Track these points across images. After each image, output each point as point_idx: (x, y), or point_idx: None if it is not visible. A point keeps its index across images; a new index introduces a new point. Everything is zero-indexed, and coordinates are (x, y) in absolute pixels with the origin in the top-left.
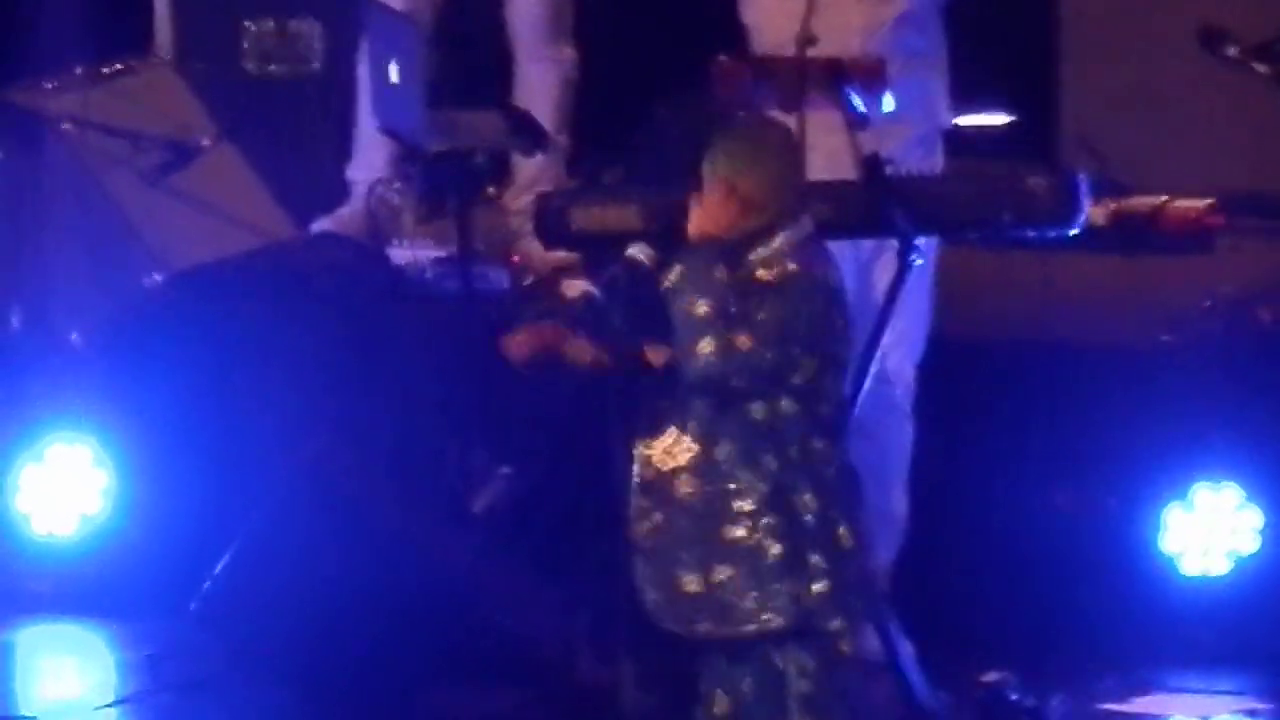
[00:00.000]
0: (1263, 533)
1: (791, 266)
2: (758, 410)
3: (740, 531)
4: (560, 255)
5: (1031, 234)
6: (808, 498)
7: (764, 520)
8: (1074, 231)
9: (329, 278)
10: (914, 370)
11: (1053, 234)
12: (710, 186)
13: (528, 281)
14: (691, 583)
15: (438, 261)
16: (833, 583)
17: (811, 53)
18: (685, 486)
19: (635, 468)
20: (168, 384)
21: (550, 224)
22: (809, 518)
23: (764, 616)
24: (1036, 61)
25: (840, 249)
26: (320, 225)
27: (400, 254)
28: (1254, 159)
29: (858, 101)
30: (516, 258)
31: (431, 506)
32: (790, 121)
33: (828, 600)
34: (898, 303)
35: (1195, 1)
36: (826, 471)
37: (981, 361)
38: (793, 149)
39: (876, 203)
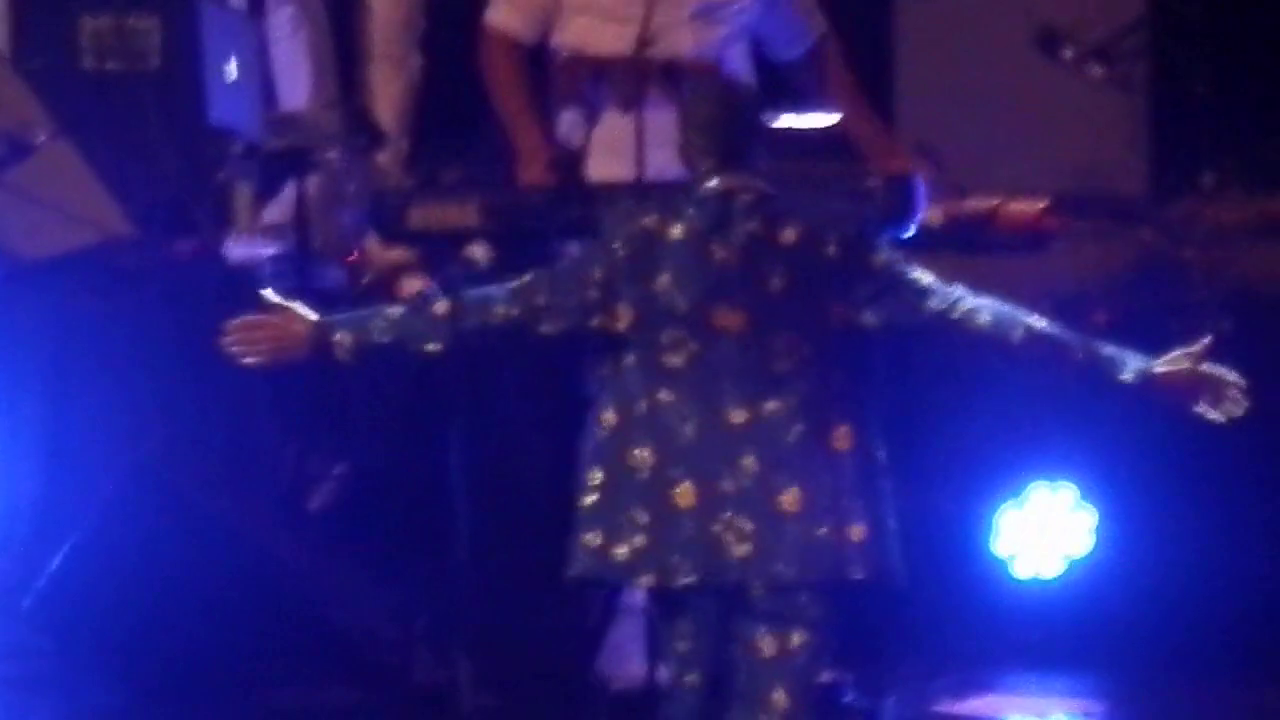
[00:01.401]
0: (1096, 533)
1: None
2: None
3: None
4: (398, 253)
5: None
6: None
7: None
8: (910, 232)
9: (163, 275)
10: None
11: (889, 235)
12: None
13: (365, 279)
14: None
15: (274, 259)
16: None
17: (650, 53)
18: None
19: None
20: (2, 381)
21: (389, 221)
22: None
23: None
24: (872, 62)
25: None
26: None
27: (237, 251)
28: (1089, 160)
29: None
30: (354, 255)
31: (267, 505)
32: (628, 122)
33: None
34: None
35: (1031, 4)
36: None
37: None
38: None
39: None
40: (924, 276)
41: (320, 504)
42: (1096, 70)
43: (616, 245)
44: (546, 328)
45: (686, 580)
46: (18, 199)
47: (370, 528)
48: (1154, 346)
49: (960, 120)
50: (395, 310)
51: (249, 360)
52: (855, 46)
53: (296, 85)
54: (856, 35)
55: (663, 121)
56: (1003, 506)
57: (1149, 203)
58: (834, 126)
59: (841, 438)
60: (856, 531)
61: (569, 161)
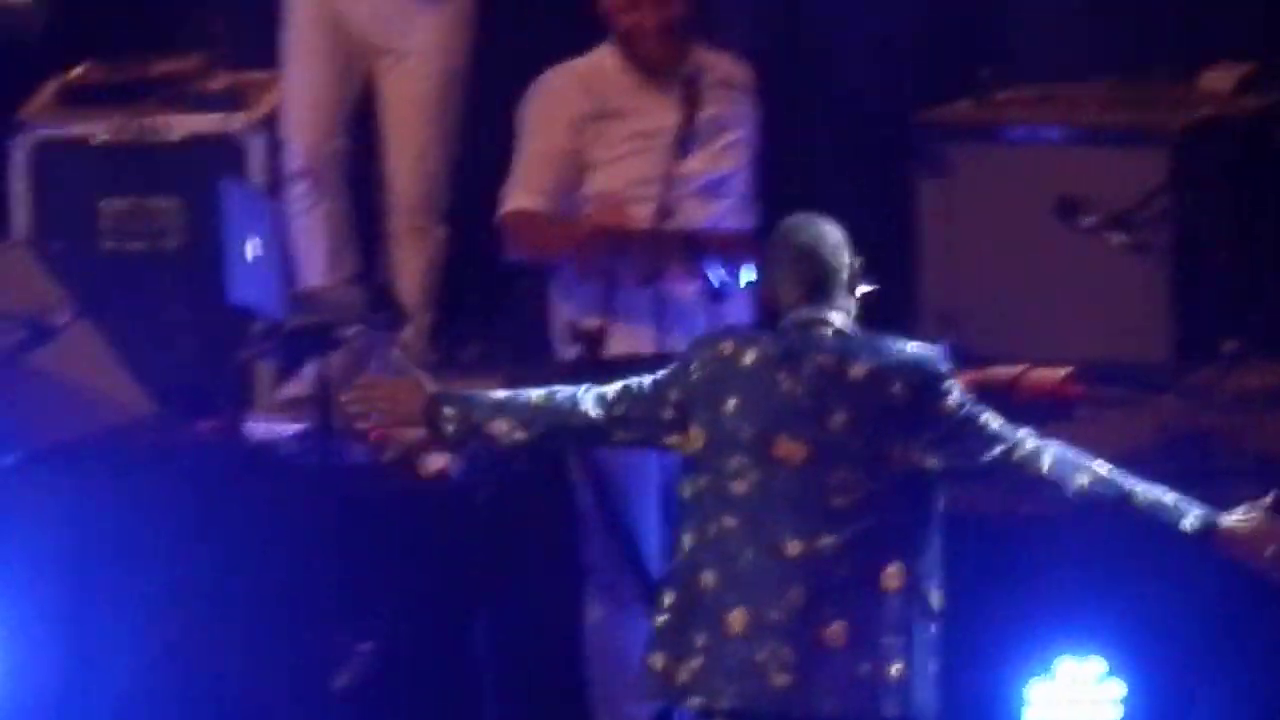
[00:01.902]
0: (1125, 704)
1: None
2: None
3: None
4: (419, 432)
5: None
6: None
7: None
8: None
9: (184, 456)
10: None
11: None
12: None
13: (386, 457)
14: None
15: (296, 436)
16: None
17: (673, 222)
18: None
19: None
20: (23, 565)
21: None
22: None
23: None
24: (896, 230)
25: None
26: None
27: (258, 430)
28: (1112, 328)
29: (715, 274)
30: (377, 433)
31: (292, 684)
32: (649, 295)
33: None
34: None
35: (1049, 173)
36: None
37: None
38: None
39: None
40: (992, 421)
41: (345, 683)
42: (1117, 237)
43: (694, 368)
44: (621, 435)
45: (729, 705)
46: (40, 382)
47: (396, 708)
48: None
49: (982, 289)
50: (498, 393)
51: (364, 423)
52: (879, 214)
53: (313, 261)
54: (878, 205)
55: (682, 294)
56: (1032, 680)
57: (1172, 370)
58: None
59: (892, 577)
60: (894, 669)
61: (591, 336)
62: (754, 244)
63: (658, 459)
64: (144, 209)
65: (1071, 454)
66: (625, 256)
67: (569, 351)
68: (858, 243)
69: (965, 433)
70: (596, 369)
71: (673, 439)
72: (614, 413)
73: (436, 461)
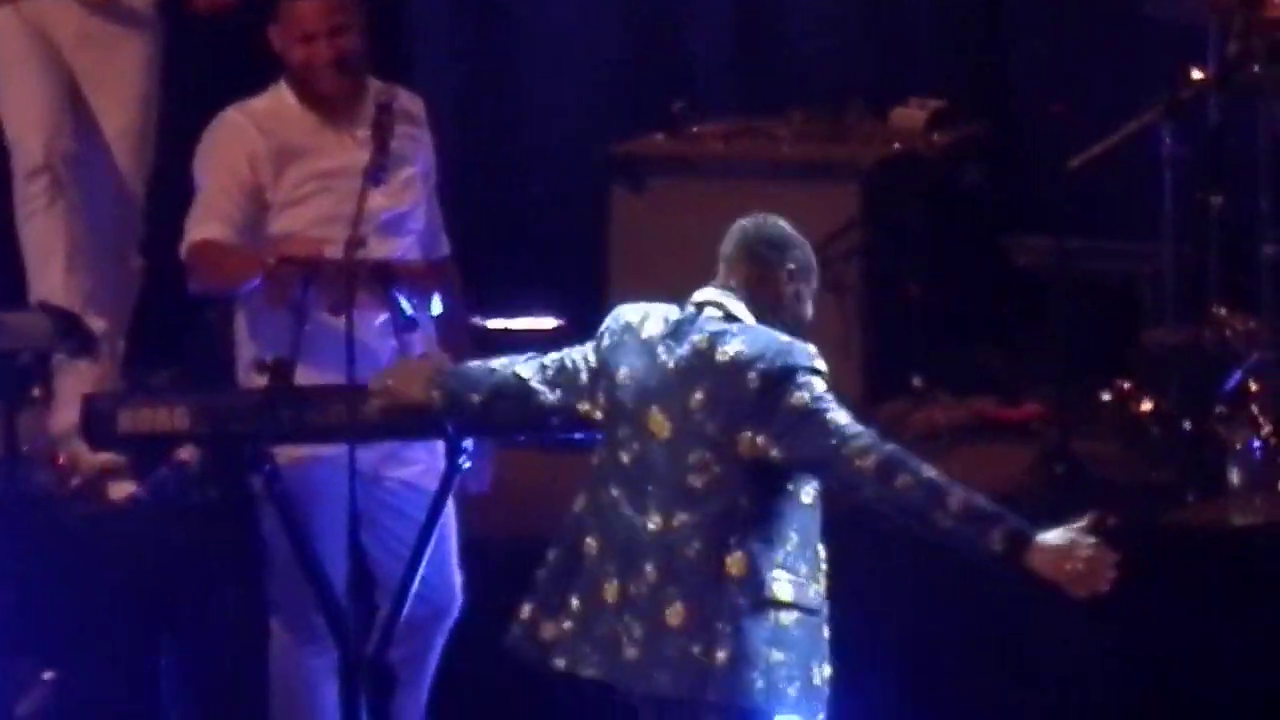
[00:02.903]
0: None
1: None
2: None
3: None
4: (106, 457)
5: (580, 435)
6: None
7: None
8: None
9: None
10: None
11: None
12: None
13: (73, 482)
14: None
15: None
16: None
17: (360, 255)
18: None
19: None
20: None
21: (97, 425)
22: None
23: None
24: (584, 266)
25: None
26: None
27: None
28: None
29: (406, 305)
30: (62, 459)
31: None
32: (339, 324)
33: None
34: (444, 506)
35: (741, 207)
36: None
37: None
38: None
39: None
40: (838, 418)
41: (26, 712)
42: None
43: (605, 335)
44: (549, 400)
45: (589, 672)
46: None
47: None
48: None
49: None
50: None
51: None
52: (569, 249)
53: (52, 263)
54: (569, 238)
55: (372, 324)
56: None
57: (861, 404)
58: (551, 329)
59: (733, 564)
60: (721, 655)
61: (279, 366)
62: (443, 274)
63: (345, 488)
64: None
65: (903, 456)
66: (314, 286)
67: (257, 381)
68: (553, 273)
69: (806, 426)
70: (286, 399)
71: (585, 405)
72: (545, 375)
73: (123, 488)
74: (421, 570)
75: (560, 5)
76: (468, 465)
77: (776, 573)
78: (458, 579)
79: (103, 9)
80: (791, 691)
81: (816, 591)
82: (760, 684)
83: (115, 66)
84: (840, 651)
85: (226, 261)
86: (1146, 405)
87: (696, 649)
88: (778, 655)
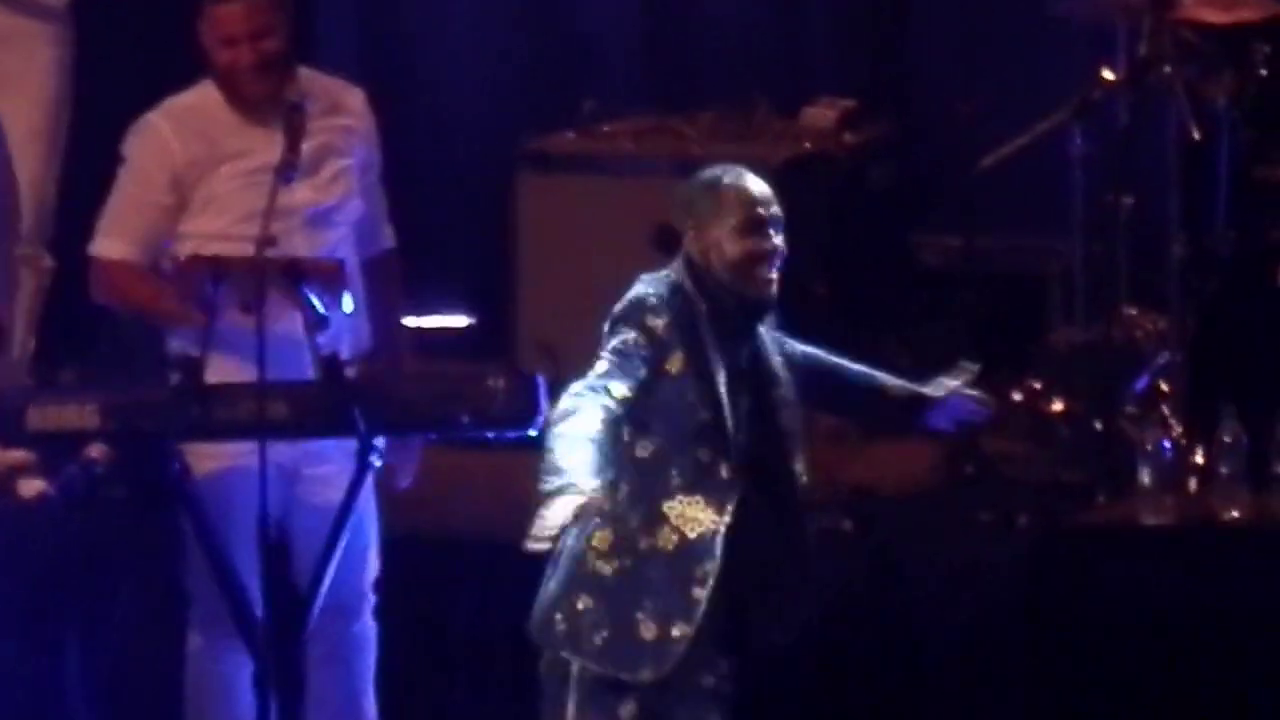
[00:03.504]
0: None
1: None
2: None
3: None
4: (16, 454)
5: (490, 434)
6: None
7: None
8: (533, 432)
9: None
10: (375, 577)
11: (511, 434)
12: None
13: None
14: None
15: None
16: None
17: (270, 253)
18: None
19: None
20: None
21: (5, 423)
22: None
23: None
24: (495, 264)
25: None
26: None
27: None
28: None
29: (317, 302)
30: None
31: None
32: (249, 322)
33: None
34: (355, 503)
35: (650, 206)
36: None
37: (445, 562)
38: None
39: (336, 403)
40: (596, 366)
41: None
42: None
43: None
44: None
45: None
46: None
47: None
48: None
49: (582, 320)
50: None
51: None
52: (478, 247)
53: None
54: (478, 235)
55: (283, 321)
56: None
57: None
58: (462, 328)
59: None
60: (542, 594)
61: (189, 363)
62: (384, 267)
63: (254, 485)
64: None
65: (568, 411)
66: (225, 284)
67: (169, 379)
68: (459, 273)
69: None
70: (196, 396)
71: None
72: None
73: (34, 485)
74: (332, 568)
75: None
76: (379, 463)
77: (598, 522)
78: (370, 576)
79: (12, 6)
80: (596, 640)
81: (651, 546)
82: (562, 627)
83: (27, 65)
84: None
85: (133, 291)
86: (1056, 405)
87: (542, 587)
88: (586, 601)
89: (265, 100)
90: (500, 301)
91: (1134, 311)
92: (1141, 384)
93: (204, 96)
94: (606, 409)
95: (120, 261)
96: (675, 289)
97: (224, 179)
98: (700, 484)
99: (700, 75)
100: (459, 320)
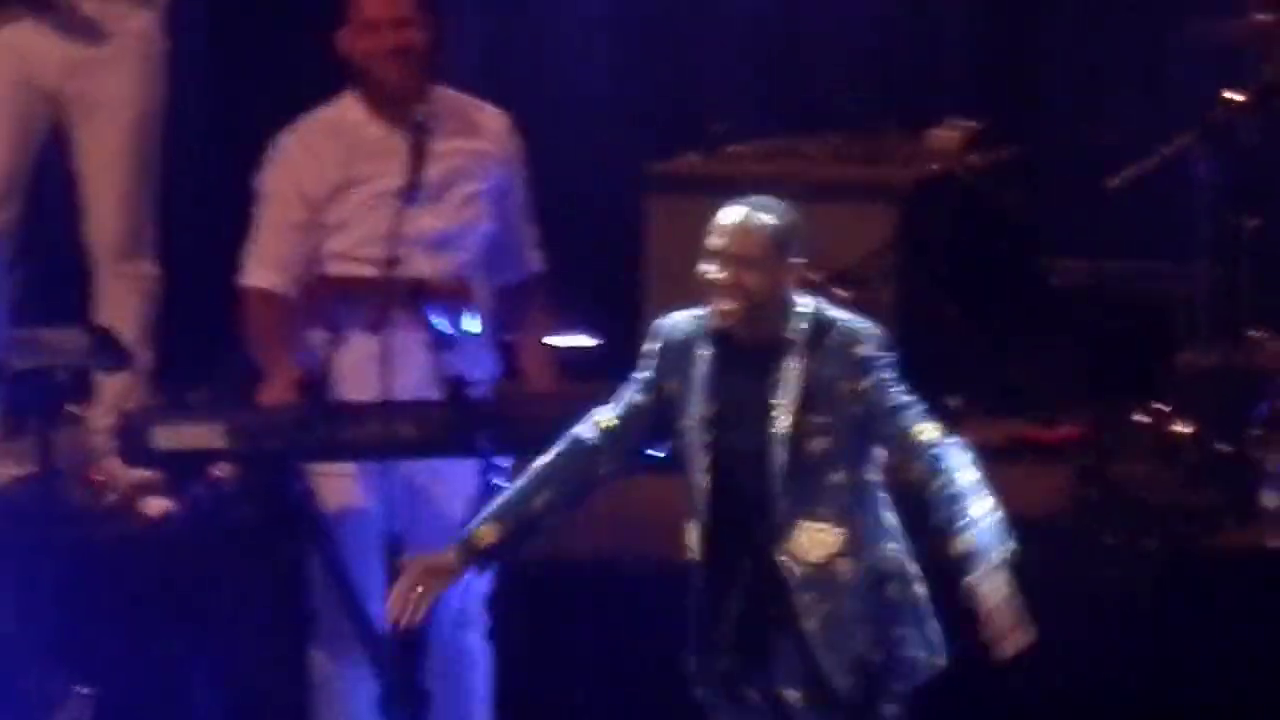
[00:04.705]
0: None
1: None
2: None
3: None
4: (142, 473)
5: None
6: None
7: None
8: (660, 454)
9: None
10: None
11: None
12: None
13: (107, 500)
14: (877, 652)
15: (18, 480)
16: None
17: (395, 273)
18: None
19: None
20: None
21: (132, 442)
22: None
23: (935, 659)
24: (623, 284)
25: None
26: None
27: None
28: None
29: (441, 322)
30: (98, 476)
31: None
32: (374, 343)
33: None
34: None
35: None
36: None
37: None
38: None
39: (460, 423)
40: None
41: None
42: (844, 292)
43: None
44: None
45: None
46: None
47: None
48: None
49: None
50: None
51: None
52: (606, 268)
53: None
54: (605, 257)
55: (408, 342)
56: None
57: None
58: (590, 348)
59: None
60: None
61: (314, 383)
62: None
63: (378, 504)
64: None
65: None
66: (351, 304)
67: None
68: (587, 293)
69: None
70: (322, 417)
71: None
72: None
73: (158, 504)
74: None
75: (589, 24)
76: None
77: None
78: (480, 592)
79: (87, 35)
80: None
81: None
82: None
83: (107, 93)
84: None
85: (258, 329)
86: (1181, 428)
87: None
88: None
89: (402, 94)
90: (627, 321)
91: (1259, 334)
92: (1266, 407)
93: (342, 110)
94: (574, 439)
95: (258, 289)
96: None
97: (356, 202)
98: (693, 509)
99: (828, 97)
100: (587, 340)
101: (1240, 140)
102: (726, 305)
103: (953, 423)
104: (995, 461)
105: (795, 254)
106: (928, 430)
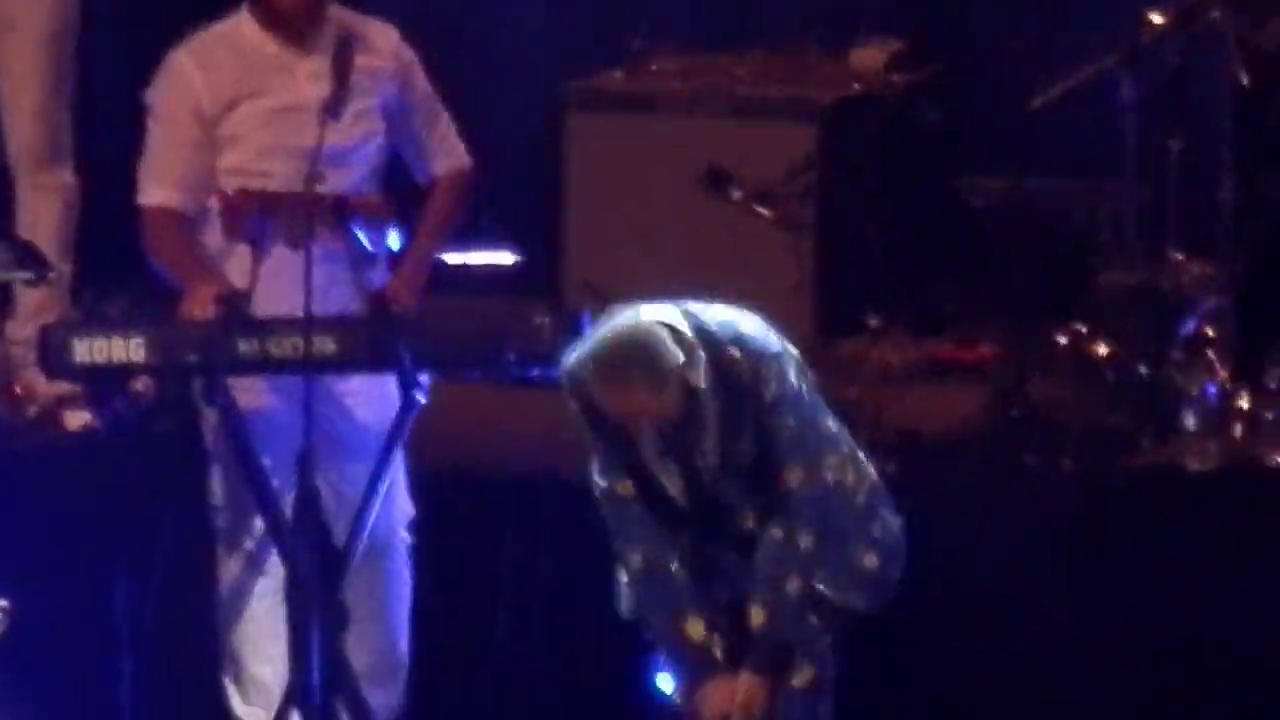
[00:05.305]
0: None
1: None
2: None
3: None
4: (62, 386)
5: (535, 372)
6: None
7: None
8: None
9: None
10: (410, 518)
11: (556, 372)
12: None
13: (29, 413)
14: None
15: None
16: None
17: (319, 190)
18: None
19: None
20: None
21: (53, 355)
22: None
23: None
24: (542, 202)
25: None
26: None
27: None
28: (756, 300)
29: (363, 238)
30: (18, 389)
31: None
32: (297, 257)
33: None
34: (401, 441)
35: (699, 145)
36: None
37: (487, 498)
38: None
39: (382, 338)
40: None
41: None
42: (765, 211)
43: None
44: None
45: None
46: None
47: (32, 665)
48: None
49: (628, 260)
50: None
51: None
52: (526, 185)
53: None
54: (527, 173)
55: (331, 257)
56: None
57: (815, 344)
58: (509, 265)
59: None
60: None
61: (235, 297)
62: (397, 207)
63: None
64: None
65: None
66: (273, 219)
67: (212, 312)
68: (506, 211)
69: None
70: (241, 328)
71: None
72: None
73: (78, 417)
74: (376, 506)
75: None
76: (424, 400)
77: None
78: (401, 515)
79: None
80: None
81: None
82: None
83: (19, 8)
84: None
85: (167, 244)
86: (1102, 349)
87: None
88: None
89: (301, 20)
90: (547, 239)
91: (1182, 256)
92: (1188, 329)
93: (236, 26)
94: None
95: (160, 208)
96: None
97: (252, 116)
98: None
99: (750, 13)
100: (506, 257)
101: (1164, 62)
102: (651, 429)
103: (872, 341)
104: (914, 380)
105: (673, 362)
106: (795, 472)
